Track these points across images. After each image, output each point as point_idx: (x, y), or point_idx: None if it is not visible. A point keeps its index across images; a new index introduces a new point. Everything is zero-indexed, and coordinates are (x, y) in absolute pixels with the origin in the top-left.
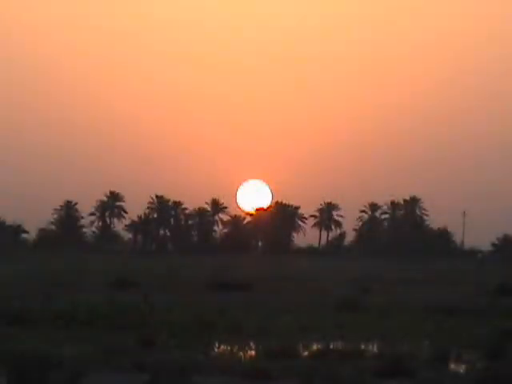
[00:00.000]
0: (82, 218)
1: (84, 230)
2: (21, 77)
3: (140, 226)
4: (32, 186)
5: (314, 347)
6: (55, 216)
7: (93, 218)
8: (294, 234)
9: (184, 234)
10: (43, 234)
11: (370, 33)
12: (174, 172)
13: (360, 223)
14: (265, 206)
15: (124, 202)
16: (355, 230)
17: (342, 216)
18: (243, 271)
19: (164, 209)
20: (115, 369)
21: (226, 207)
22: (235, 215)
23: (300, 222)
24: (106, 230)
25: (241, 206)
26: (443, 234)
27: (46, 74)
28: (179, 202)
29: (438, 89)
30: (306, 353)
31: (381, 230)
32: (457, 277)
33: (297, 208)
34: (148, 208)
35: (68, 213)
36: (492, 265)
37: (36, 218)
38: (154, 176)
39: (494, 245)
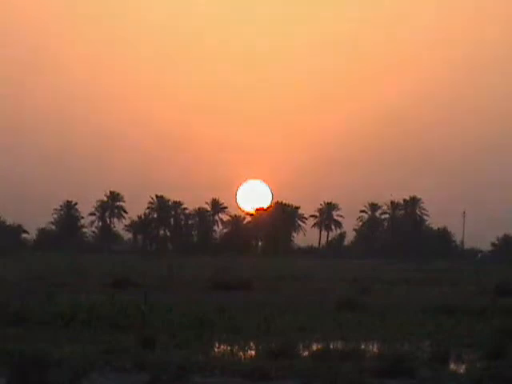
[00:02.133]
0: (82, 217)
1: (84, 229)
2: (21, 77)
3: (140, 226)
4: (32, 186)
5: (314, 347)
6: (55, 216)
7: (93, 218)
8: (294, 234)
9: (184, 234)
10: (43, 233)
11: (370, 33)
12: (173, 172)
13: (360, 223)
14: (265, 206)
15: (124, 202)
16: (355, 230)
17: (341, 216)
18: (243, 271)
19: (164, 209)
20: (115, 369)
21: (226, 207)
22: (235, 215)
23: (300, 222)
24: (105, 230)
25: (241, 206)
26: (443, 234)
27: (46, 74)
28: (179, 202)
29: (438, 89)
30: (306, 353)
31: (381, 230)
32: (457, 277)
33: (297, 208)
34: (148, 208)
35: (68, 213)
36: (492, 265)
37: (36, 218)
38: (154, 176)
39: (493, 245)
